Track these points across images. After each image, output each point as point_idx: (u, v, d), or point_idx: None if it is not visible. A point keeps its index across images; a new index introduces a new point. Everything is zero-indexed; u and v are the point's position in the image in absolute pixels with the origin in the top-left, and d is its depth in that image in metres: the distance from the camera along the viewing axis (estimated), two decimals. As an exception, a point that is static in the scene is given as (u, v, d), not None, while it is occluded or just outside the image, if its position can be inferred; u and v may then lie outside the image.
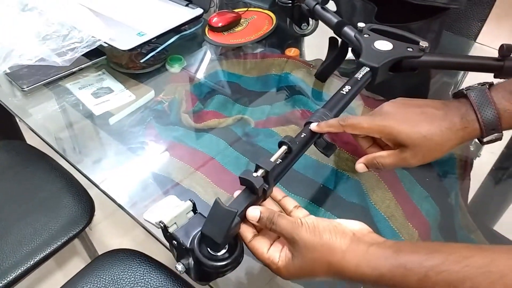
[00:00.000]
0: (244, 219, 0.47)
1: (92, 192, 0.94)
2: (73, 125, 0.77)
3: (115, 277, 0.76)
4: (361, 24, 0.70)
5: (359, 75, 0.63)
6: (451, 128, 0.50)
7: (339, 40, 0.76)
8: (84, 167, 0.68)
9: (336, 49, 0.77)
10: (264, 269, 0.54)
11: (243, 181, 0.46)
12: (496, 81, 0.54)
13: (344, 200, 0.63)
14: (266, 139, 0.72)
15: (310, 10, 0.79)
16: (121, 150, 0.72)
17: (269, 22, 0.99)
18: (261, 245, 0.45)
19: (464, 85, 0.55)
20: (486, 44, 0.93)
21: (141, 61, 0.86)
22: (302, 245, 0.42)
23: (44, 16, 0.86)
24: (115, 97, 0.80)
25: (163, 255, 0.84)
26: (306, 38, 0.98)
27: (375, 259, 0.39)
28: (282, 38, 0.98)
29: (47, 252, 0.83)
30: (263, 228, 0.46)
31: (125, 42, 0.83)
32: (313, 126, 0.55)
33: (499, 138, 0.51)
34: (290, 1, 0.89)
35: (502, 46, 0.59)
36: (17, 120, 1.32)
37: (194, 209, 0.48)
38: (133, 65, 0.87)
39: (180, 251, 0.46)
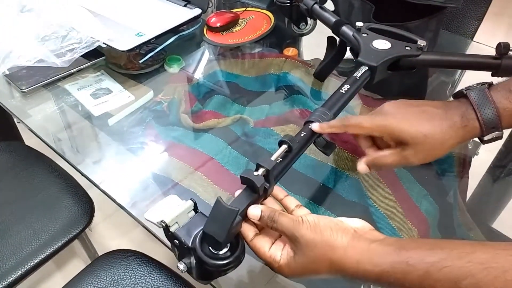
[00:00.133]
0: (245, 217, 0.47)
1: (91, 193, 0.94)
2: (73, 126, 0.77)
3: (116, 278, 0.76)
4: (359, 23, 0.70)
5: (357, 74, 0.63)
6: (451, 127, 0.51)
7: (337, 39, 0.76)
8: (84, 167, 0.68)
9: (334, 48, 0.77)
10: (265, 267, 0.54)
11: (244, 180, 0.47)
12: (494, 80, 0.55)
13: (343, 199, 0.63)
14: (265, 139, 0.72)
15: (308, 10, 0.79)
16: (121, 151, 0.72)
17: (267, 22, 0.99)
18: (263, 243, 0.46)
19: (461, 84, 0.55)
20: (483, 42, 0.94)
21: (140, 61, 0.86)
22: (304, 243, 0.42)
23: (42, 17, 0.86)
24: (114, 98, 0.80)
25: (163, 255, 0.84)
26: (304, 38, 0.99)
27: (377, 256, 0.39)
28: (281, 37, 0.99)
29: (47, 253, 0.83)
30: (264, 227, 0.47)
31: (123, 42, 0.83)
32: (315, 127, 0.55)
33: (500, 137, 0.52)
34: (288, 1, 0.89)
35: (499, 44, 0.59)
36: (15, 121, 1.33)
37: (195, 209, 0.48)
38: (131, 65, 0.87)
39: (181, 250, 0.46)
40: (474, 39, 1.00)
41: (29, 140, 1.20)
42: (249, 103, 0.80)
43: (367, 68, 0.64)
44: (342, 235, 0.41)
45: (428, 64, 0.68)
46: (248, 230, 0.47)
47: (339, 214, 0.60)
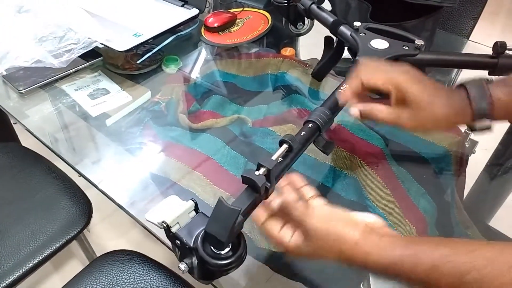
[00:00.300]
0: (247, 217, 0.47)
1: (88, 194, 0.94)
2: (70, 127, 0.77)
3: (115, 278, 0.76)
4: (357, 23, 0.71)
5: (356, 73, 0.63)
6: (450, 106, 0.52)
7: (335, 39, 0.76)
8: (82, 167, 0.68)
9: (331, 48, 0.78)
10: (265, 266, 0.55)
11: (246, 179, 0.47)
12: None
13: (342, 198, 0.63)
14: (263, 138, 0.72)
15: (305, 10, 0.79)
16: (119, 151, 0.72)
17: (265, 22, 0.99)
18: (273, 225, 0.48)
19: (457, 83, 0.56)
20: (479, 41, 0.94)
21: (137, 62, 0.86)
22: (315, 233, 0.44)
23: (40, 18, 0.86)
24: (111, 98, 0.80)
25: (161, 256, 0.84)
26: (301, 38, 0.99)
27: (386, 248, 0.40)
28: (278, 37, 0.99)
29: (45, 255, 0.83)
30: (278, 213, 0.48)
31: (121, 43, 0.83)
32: (338, 95, 0.57)
33: (490, 127, 0.53)
34: (286, 1, 0.89)
35: (496, 43, 0.60)
36: (12, 122, 1.32)
37: (196, 209, 0.49)
38: (129, 66, 0.87)
39: (183, 250, 0.46)
40: (470, 38, 1.01)
41: (26, 141, 1.20)
42: (247, 103, 0.80)
43: (366, 67, 0.64)
44: (353, 228, 0.43)
45: (426, 63, 0.68)
46: (260, 215, 0.49)
47: (339, 213, 0.60)
